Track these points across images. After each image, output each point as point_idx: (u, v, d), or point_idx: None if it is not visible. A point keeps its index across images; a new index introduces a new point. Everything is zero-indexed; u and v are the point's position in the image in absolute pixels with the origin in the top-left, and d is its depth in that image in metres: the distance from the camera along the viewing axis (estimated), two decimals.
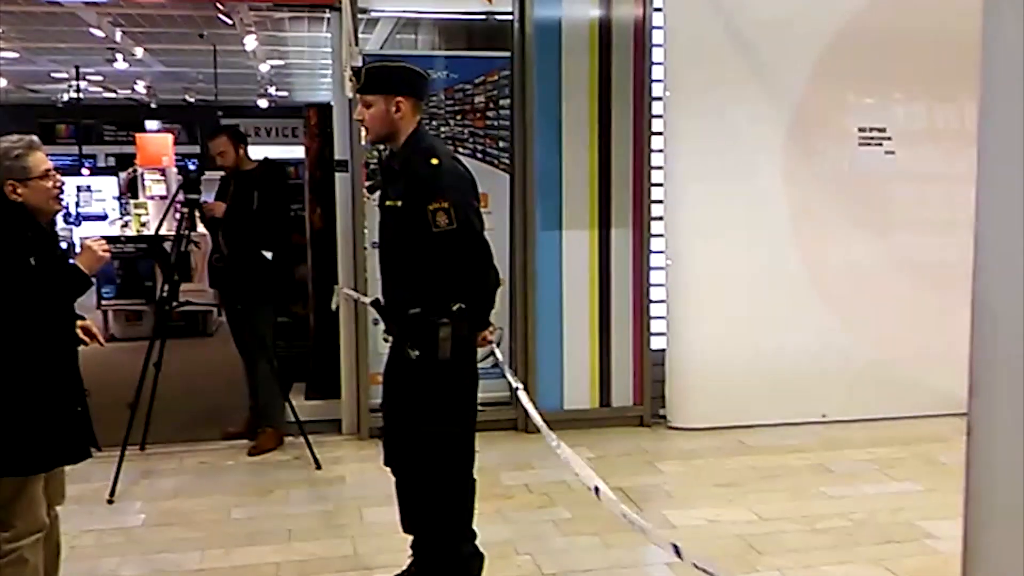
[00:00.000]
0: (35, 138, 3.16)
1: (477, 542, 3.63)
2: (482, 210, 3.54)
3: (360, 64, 5.39)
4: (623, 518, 2.41)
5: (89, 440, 3.21)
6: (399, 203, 3.39)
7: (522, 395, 3.71)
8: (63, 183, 3.21)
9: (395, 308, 3.49)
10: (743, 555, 4.14)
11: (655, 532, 2.37)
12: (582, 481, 2.83)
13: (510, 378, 3.88)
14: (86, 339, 3.29)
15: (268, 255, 5.68)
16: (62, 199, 3.23)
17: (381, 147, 4.62)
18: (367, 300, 5.07)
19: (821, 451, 5.58)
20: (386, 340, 3.71)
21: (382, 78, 3.44)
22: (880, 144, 6.20)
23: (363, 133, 5.46)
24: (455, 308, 3.38)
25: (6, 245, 3.08)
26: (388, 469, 3.65)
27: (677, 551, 2.10)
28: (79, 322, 3.30)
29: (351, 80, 5.37)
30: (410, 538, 3.67)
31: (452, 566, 3.56)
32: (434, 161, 3.35)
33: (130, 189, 12.44)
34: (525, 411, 5.80)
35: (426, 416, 3.41)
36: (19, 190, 3.07)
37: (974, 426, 1.55)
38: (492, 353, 3.77)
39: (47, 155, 3.18)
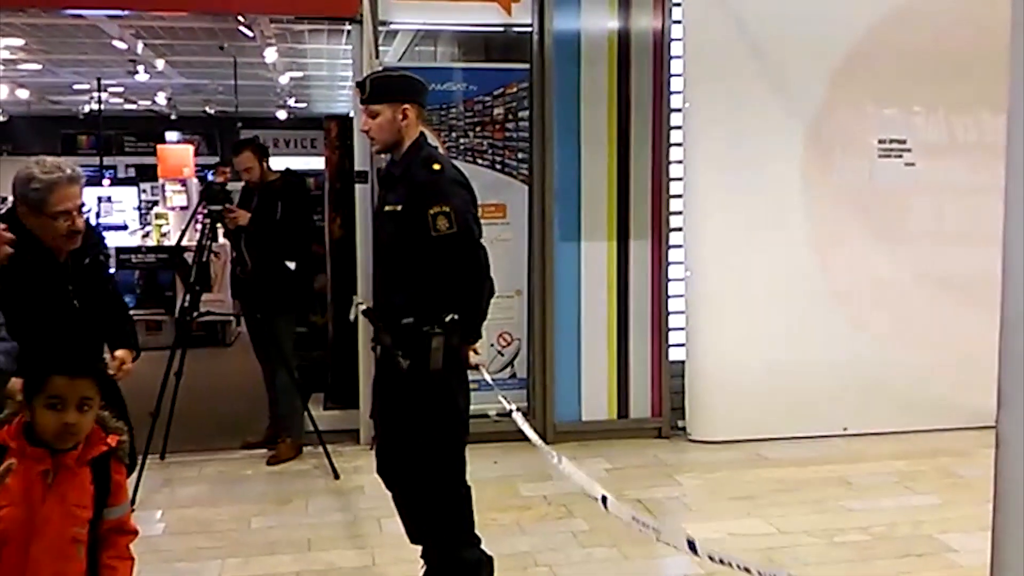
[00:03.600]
0: (72, 175, 3.03)
1: (491, 552, 3.62)
2: (500, 221, 3.55)
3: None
4: (634, 522, 2.41)
5: None
6: (399, 208, 3.39)
7: (517, 417, 3.64)
8: (81, 227, 3.04)
9: (388, 317, 3.49)
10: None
11: (668, 531, 2.38)
12: (587, 493, 2.82)
13: (503, 400, 3.78)
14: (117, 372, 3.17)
15: (291, 265, 5.72)
16: (77, 239, 3.06)
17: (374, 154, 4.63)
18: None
19: (841, 464, 5.55)
20: (373, 350, 3.71)
21: (388, 87, 3.47)
22: (900, 156, 6.18)
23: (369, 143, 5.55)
24: (448, 319, 3.36)
25: None
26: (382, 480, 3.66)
27: (692, 547, 2.10)
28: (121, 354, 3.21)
29: (358, 85, 5.42)
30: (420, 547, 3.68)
31: (461, 573, 3.55)
32: (436, 167, 3.38)
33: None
34: (544, 421, 5.86)
35: (417, 426, 3.41)
36: (29, 218, 3.01)
37: (1002, 438, 1.55)
38: (478, 369, 3.68)
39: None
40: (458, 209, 3.31)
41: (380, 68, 5.52)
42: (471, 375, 3.58)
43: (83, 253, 3.15)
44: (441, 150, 5.16)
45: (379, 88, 3.46)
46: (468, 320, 3.41)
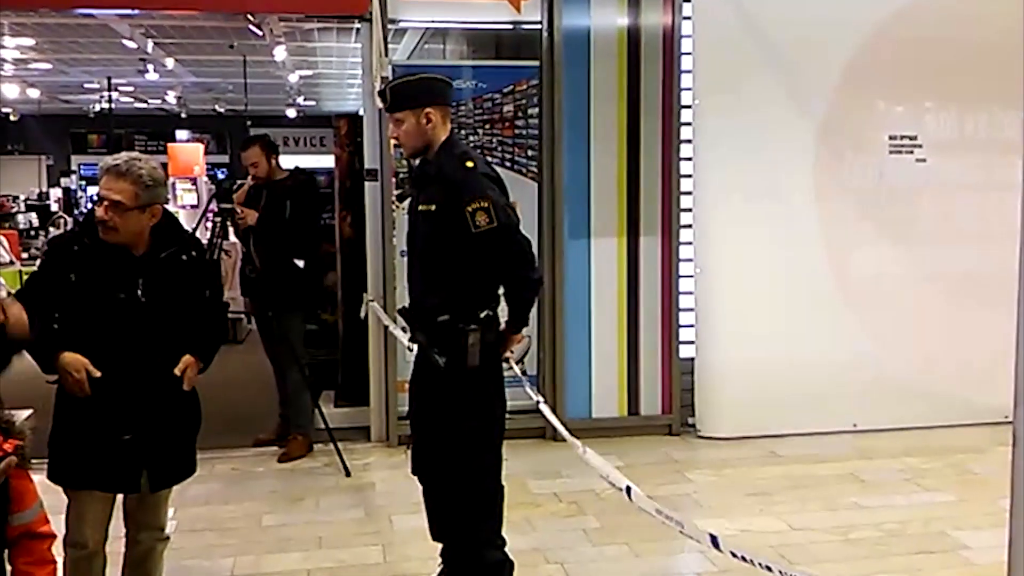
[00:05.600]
0: (119, 168, 2.99)
1: (507, 550, 3.63)
2: None
3: (389, 74, 5.44)
4: (657, 515, 2.42)
5: (135, 475, 3.10)
6: (432, 207, 3.39)
7: (544, 408, 3.70)
8: (101, 216, 3.01)
9: (423, 315, 3.50)
10: (775, 565, 4.11)
11: (690, 525, 2.38)
12: (612, 483, 2.84)
13: (530, 392, 3.84)
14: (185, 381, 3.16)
15: (300, 264, 5.72)
16: (106, 229, 3.02)
17: (408, 160, 4.64)
18: (392, 325, 5.08)
19: (852, 461, 5.54)
20: (410, 349, 3.71)
21: (409, 93, 3.46)
22: (911, 152, 6.16)
23: (391, 146, 5.57)
24: (483, 315, 3.39)
25: (51, 253, 3.15)
26: (415, 477, 3.66)
27: (715, 542, 2.10)
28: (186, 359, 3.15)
29: (379, 95, 5.43)
30: (440, 545, 3.68)
31: (482, 573, 3.56)
32: (469, 164, 3.38)
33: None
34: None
35: (455, 423, 3.41)
36: None
37: (1019, 436, 1.54)
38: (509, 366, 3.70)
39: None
40: (496, 203, 3.31)
41: (390, 66, 5.54)
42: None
43: (160, 248, 3.12)
44: None
45: (400, 95, 3.45)
46: (517, 309, 3.44)
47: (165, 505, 3.34)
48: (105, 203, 2.99)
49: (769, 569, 1.93)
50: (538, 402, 3.80)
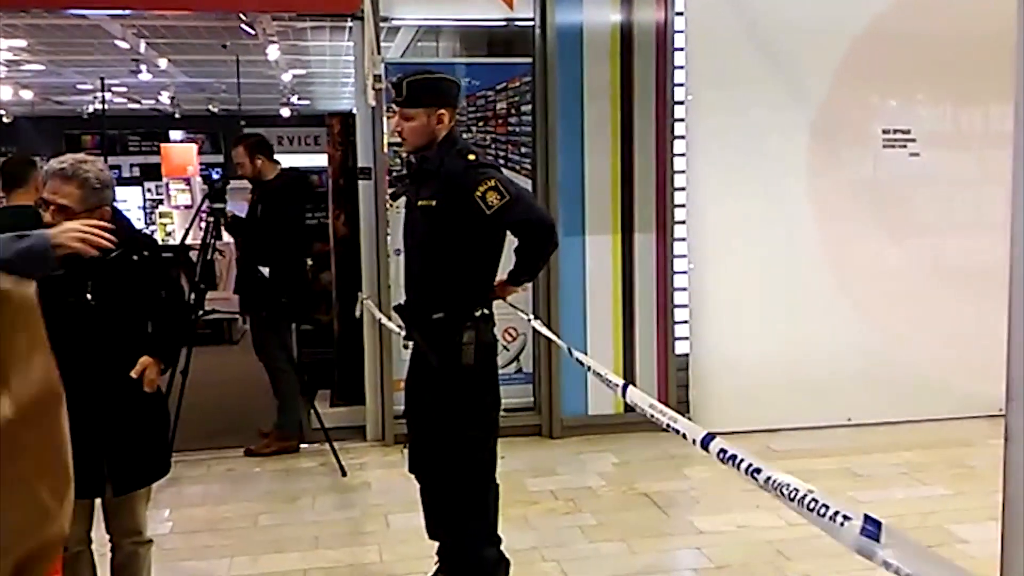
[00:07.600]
0: (66, 171, 2.92)
1: (503, 548, 3.63)
2: None
3: (382, 72, 5.43)
4: (651, 415, 2.48)
5: (96, 479, 3.03)
6: (433, 202, 3.39)
7: (537, 324, 3.93)
8: (50, 223, 2.89)
9: (419, 312, 3.49)
10: (772, 561, 4.11)
11: (688, 426, 2.39)
12: (609, 381, 2.91)
13: (523, 315, 4.03)
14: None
15: (265, 271, 5.58)
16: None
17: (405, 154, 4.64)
18: (388, 321, 5.08)
19: (848, 455, 5.54)
20: (405, 347, 3.71)
21: (427, 91, 3.40)
22: (904, 146, 6.16)
23: (386, 143, 5.57)
24: (478, 313, 3.39)
25: None
26: (413, 476, 3.66)
27: (706, 443, 2.10)
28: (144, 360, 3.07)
29: (375, 89, 5.42)
30: (436, 544, 3.68)
31: (479, 571, 3.56)
32: (471, 157, 3.40)
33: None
34: (550, 416, 5.86)
35: (450, 421, 3.42)
36: None
37: (1011, 432, 1.53)
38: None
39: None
40: (501, 180, 3.34)
41: (382, 64, 5.53)
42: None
43: (109, 249, 2.95)
44: None
45: (416, 92, 3.38)
46: (526, 267, 3.54)
47: (140, 509, 3.27)
48: (52, 207, 2.92)
49: (757, 474, 1.87)
50: (530, 319, 4.00)
